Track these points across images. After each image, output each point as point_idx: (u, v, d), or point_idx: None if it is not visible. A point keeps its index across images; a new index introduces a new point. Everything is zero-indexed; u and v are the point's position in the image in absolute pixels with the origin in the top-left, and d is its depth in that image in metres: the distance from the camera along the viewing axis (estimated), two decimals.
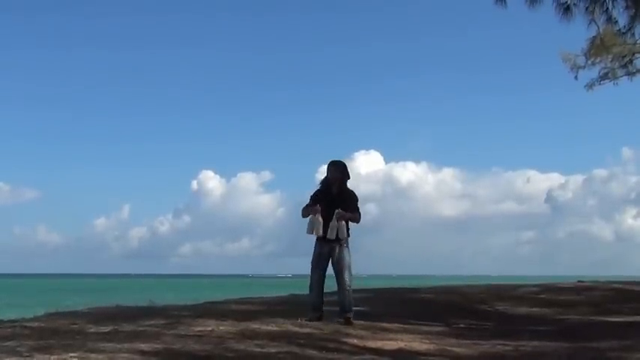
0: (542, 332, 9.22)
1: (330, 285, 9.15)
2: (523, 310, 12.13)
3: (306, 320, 8.44)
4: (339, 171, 8.92)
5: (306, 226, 8.75)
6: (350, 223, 8.88)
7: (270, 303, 11.43)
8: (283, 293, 13.87)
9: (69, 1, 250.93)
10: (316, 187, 9.04)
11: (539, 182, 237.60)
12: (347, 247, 8.82)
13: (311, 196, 8.93)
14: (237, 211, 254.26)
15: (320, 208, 8.64)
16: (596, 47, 15.64)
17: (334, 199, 8.74)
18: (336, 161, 8.99)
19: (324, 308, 8.86)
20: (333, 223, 8.62)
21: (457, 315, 10.79)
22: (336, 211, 8.62)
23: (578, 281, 18.98)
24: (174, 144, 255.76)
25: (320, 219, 8.63)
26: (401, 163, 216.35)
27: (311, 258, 8.90)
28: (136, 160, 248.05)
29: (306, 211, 8.81)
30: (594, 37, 15.23)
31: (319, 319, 8.60)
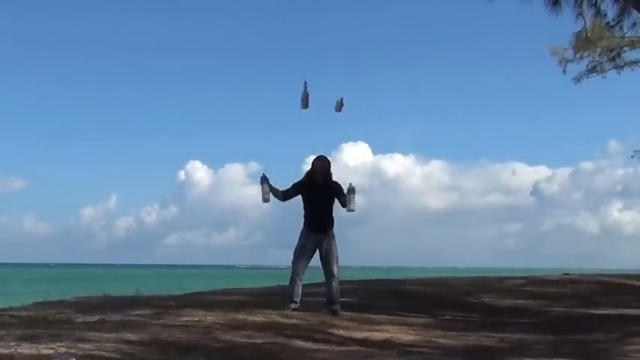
0: (528, 324, 9.28)
1: (315, 276, 9.17)
2: (509, 302, 12.17)
3: (292, 310, 8.47)
4: (326, 160, 8.93)
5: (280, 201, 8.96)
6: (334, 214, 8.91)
7: (258, 294, 11.44)
8: (271, 284, 13.87)
9: None
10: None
11: (526, 175, 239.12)
12: (334, 238, 8.86)
13: (294, 184, 8.94)
14: (225, 202, 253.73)
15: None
16: (584, 40, 15.64)
17: (319, 188, 8.75)
18: (323, 155, 9.01)
19: (312, 299, 8.88)
20: (350, 195, 8.70)
21: (443, 307, 10.84)
22: (350, 185, 8.72)
23: (564, 274, 19.07)
24: (162, 134, 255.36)
25: (267, 189, 8.77)
26: (388, 155, 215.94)
27: (294, 248, 8.93)
28: (124, 149, 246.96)
29: (283, 194, 8.88)
30: (582, 30, 15.25)
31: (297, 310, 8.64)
